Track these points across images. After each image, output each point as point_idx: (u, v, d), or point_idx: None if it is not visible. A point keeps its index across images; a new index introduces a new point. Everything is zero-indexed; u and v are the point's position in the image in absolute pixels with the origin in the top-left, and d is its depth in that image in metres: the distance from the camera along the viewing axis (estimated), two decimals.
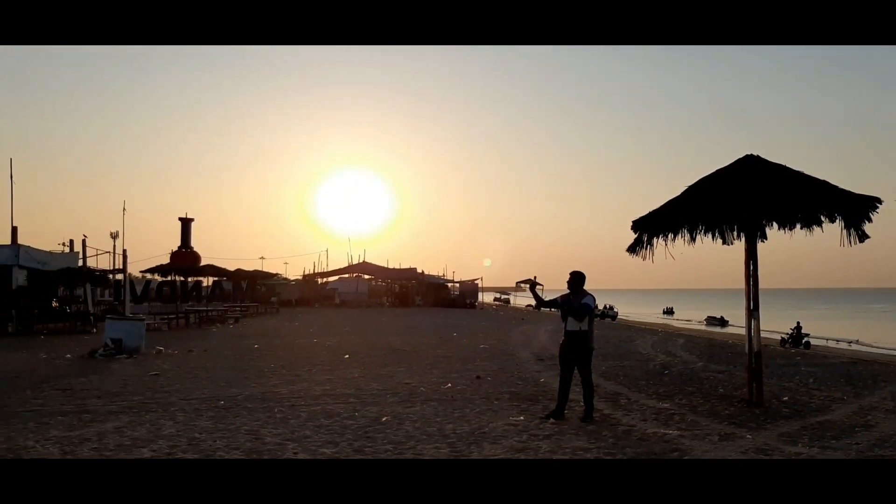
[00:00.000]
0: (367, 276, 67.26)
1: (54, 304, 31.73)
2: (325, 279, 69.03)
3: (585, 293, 9.48)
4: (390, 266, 69.48)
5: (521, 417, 9.44)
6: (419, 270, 70.02)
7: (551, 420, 9.20)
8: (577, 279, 9.51)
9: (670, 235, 10.35)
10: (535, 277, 10.29)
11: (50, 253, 31.58)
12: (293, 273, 77.44)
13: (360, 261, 68.90)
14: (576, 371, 9.47)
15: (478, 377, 13.53)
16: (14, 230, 29.24)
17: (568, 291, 9.59)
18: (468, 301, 64.79)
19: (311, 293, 64.85)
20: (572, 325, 9.39)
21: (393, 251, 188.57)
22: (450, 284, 74.10)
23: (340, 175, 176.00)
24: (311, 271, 71.67)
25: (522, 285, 77.78)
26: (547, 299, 10.11)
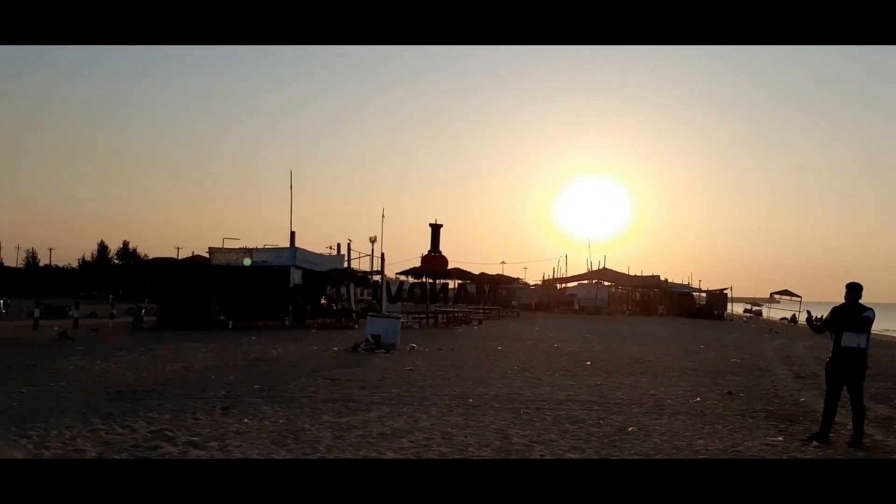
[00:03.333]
0: (607, 283, 66.33)
1: (323, 301, 35.13)
2: (564, 284, 69.16)
3: (864, 307, 8.65)
4: (631, 272, 67.93)
5: (780, 438, 8.85)
6: (662, 278, 67.68)
7: (814, 443, 8.53)
8: (854, 291, 8.69)
9: None
10: (809, 312, 9.83)
11: (320, 255, 35.00)
12: (532, 278, 78.64)
13: (600, 266, 68.19)
14: (843, 391, 8.69)
15: (729, 392, 12.85)
16: (292, 234, 32.76)
17: (840, 304, 8.80)
18: (715, 311, 61.40)
19: (551, 298, 65.28)
20: (849, 340, 8.58)
21: (633, 256, 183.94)
22: (695, 293, 70.77)
23: (580, 180, 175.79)
24: (551, 276, 72.25)
25: (777, 297, 72.06)
26: (819, 324, 9.35)
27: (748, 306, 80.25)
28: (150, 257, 73.24)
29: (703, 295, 69.76)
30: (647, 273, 68.48)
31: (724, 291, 67.68)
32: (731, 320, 58.93)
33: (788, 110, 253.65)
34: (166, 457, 7.27)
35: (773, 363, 19.31)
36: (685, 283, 73.37)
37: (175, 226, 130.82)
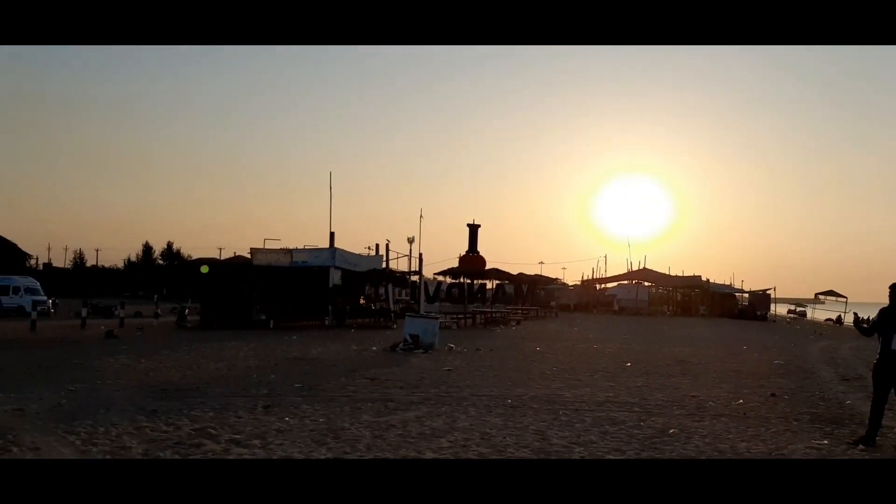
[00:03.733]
0: (647, 283, 65.65)
1: (361, 301, 35.41)
2: (603, 285, 68.65)
3: None
4: (672, 273, 67.16)
5: (825, 441, 8.68)
6: (704, 278, 66.78)
7: (860, 446, 8.34)
8: None
9: None
10: (855, 313, 9.65)
11: (359, 255, 35.27)
12: (571, 278, 78.22)
13: (641, 267, 67.54)
14: (891, 394, 8.49)
15: (772, 395, 12.63)
16: (332, 235, 33.04)
17: (887, 306, 8.59)
18: (758, 312, 60.37)
19: (590, 299, 64.84)
20: None
21: (674, 256, 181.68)
22: (737, 294, 69.68)
23: (620, 179, 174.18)
24: (590, 277, 71.77)
25: (822, 297, 70.56)
26: (866, 326, 9.15)
27: (792, 307, 78.81)
28: (193, 258, 74.65)
29: (746, 295, 68.71)
30: (688, 273, 67.71)
31: (767, 292, 66.56)
32: (775, 321, 57.90)
33: (830, 108, 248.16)
34: (209, 454, 7.40)
35: (818, 365, 18.93)
36: (727, 283, 72.38)
37: (217, 227, 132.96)
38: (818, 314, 70.78)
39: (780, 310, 73.12)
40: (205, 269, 29.75)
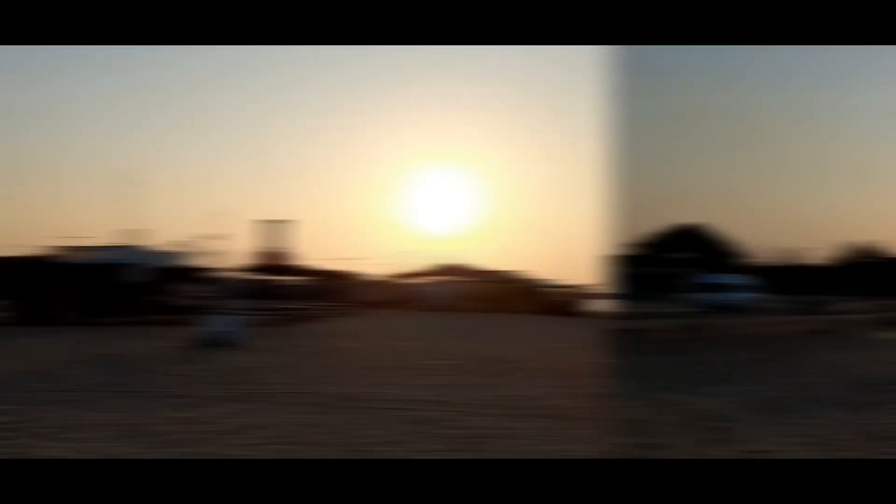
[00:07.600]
0: (459, 279, 65.09)
1: (164, 298, 33.82)
2: (410, 280, 67.83)
3: None
4: (491, 268, 65.65)
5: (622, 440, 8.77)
6: (525, 274, 66.24)
7: None
8: None
9: None
10: None
11: (161, 252, 33.99)
12: (374, 273, 75.83)
13: (454, 263, 67.36)
14: None
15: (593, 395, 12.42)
16: (130, 231, 31.77)
17: None
18: (572, 308, 58.24)
19: (397, 295, 63.53)
20: None
21: (495, 252, 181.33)
22: (554, 288, 69.92)
23: (424, 171, 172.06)
24: (396, 272, 69.94)
25: None
26: None
27: None
28: None
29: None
30: (507, 268, 66.08)
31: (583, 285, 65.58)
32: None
33: None
34: None
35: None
36: (547, 278, 69.59)
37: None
38: None
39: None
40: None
